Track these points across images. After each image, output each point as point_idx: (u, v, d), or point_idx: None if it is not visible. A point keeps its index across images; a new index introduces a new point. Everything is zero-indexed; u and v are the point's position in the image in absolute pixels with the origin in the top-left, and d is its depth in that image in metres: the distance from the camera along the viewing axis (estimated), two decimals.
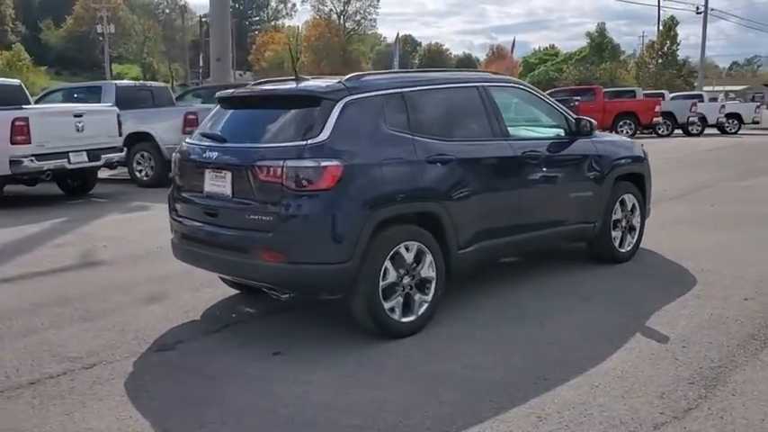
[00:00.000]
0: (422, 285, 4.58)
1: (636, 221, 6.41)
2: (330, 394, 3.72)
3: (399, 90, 4.70)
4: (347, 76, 4.61)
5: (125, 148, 11.59)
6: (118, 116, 11.19)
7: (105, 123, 11.00)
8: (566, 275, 5.93)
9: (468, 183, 4.81)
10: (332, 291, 4.30)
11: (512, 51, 46.97)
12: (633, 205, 6.36)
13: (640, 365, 4.00)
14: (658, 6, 63.17)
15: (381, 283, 4.34)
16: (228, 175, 4.45)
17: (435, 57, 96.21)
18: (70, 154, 10.38)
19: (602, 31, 73.04)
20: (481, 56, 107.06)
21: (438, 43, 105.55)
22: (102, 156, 10.90)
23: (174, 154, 5.11)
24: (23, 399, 3.78)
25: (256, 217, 4.26)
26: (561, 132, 5.81)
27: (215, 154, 4.52)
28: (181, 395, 3.77)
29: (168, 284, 5.96)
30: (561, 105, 5.97)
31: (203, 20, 77.24)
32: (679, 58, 68.71)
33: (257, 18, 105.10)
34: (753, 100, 40.58)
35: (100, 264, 6.83)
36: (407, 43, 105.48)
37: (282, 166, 4.13)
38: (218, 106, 5.07)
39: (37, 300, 5.59)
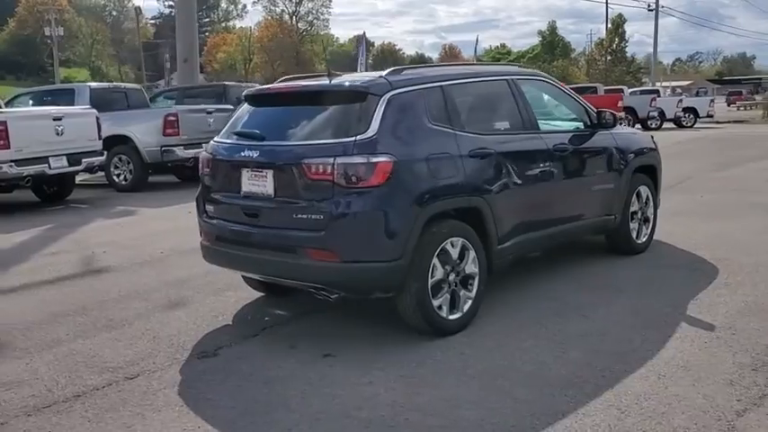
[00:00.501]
0: (465, 282, 4.52)
1: (650, 213, 6.47)
2: (399, 395, 3.63)
3: (439, 84, 4.63)
4: (387, 71, 4.52)
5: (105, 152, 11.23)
6: (97, 119, 10.84)
7: (85, 126, 10.66)
8: (592, 267, 5.95)
9: (507, 177, 4.77)
10: (384, 289, 4.20)
11: (475, 50, 47.21)
12: (647, 197, 6.42)
13: (698, 354, 4.01)
14: (606, 5, 64.30)
15: (430, 281, 4.27)
16: (270, 173, 4.31)
17: (389, 57, 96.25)
18: (50, 159, 10.04)
19: (553, 29, 74.25)
20: (433, 55, 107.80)
21: (391, 43, 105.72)
22: (83, 160, 10.56)
23: (201, 153, 4.94)
24: (76, 413, 3.59)
25: (305, 216, 4.13)
26: (582, 125, 5.82)
27: (255, 153, 4.37)
28: (244, 402, 3.63)
29: (185, 289, 5.78)
30: (581, 98, 5.98)
31: (155, 21, 75.96)
32: (627, 55, 70.37)
33: (207, 19, 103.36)
34: (697, 95, 41.79)
35: (106, 270, 6.58)
36: (361, 43, 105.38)
37: (333, 164, 4.02)
38: (246, 104, 4.92)
39: (53, 309, 5.35)
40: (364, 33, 31.26)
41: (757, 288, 5.18)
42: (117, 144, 11.94)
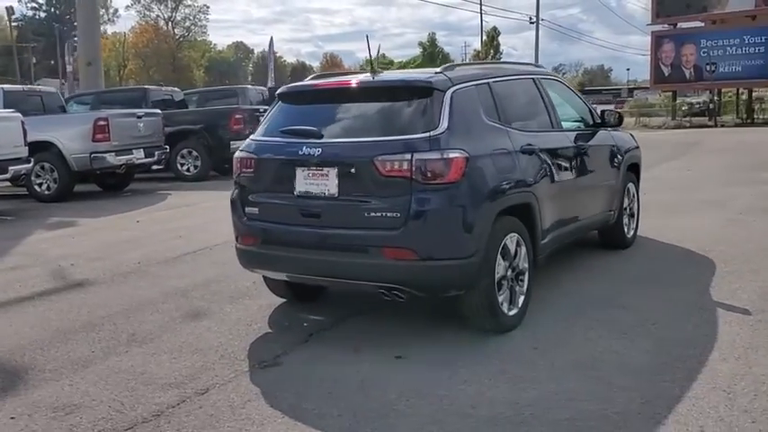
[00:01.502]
0: (518, 277, 4.54)
1: (635, 208, 6.78)
2: (505, 392, 3.57)
3: (486, 81, 4.64)
4: (442, 67, 4.48)
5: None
6: (22, 123, 10.01)
7: (9, 132, 9.84)
8: (594, 261, 6.15)
9: (547, 173, 4.84)
10: (460, 287, 4.13)
11: (370, 56, 47.35)
12: (633, 193, 6.71)
13: (754, 335, 4.22)
14: (481, 18, 66.67)
15: (496, 277, 4.26)
16: (333, 171, 4.14)
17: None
18: None
19: (432, 41, 76.37)
20: (313, 64, 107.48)
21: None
22: (10, 168, 9.72)
23: (238, 153, 4.67)
24: None
25: (378, 214, 4.00)
26: (584, 124, 6.00)
27: (316, 150, 4.18)
28: (348, 408, 3.45)
29: (194, 299, 5.46)
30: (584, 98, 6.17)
31: (17, 24, 70.84)
32: None
33: (76, 23, 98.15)
34: None
35: (89, 284, 6.08)
36: (240, 50, 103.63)
37: (410, 160, 3.92)
38: (283, 102, 4.72)
39: (56, 326, 4.89)
40: (272, 39, 30.66)
41: (759, 275, 5.53)
42: (39, 151, 11.04)
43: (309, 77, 5.03)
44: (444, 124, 4.06)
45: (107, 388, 3.82)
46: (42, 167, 11.25)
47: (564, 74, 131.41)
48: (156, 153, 12.28)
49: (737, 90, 37.23)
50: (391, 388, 3.67)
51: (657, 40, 39.23)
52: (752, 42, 35.82)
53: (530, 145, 4.66)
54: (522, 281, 4.56)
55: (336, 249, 4.15)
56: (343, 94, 4.55)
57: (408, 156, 3.93)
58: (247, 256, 4.64)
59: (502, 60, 68.73)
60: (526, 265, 4.58)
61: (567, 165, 5.22)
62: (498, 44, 75.06)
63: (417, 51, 77.40)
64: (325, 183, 4.17)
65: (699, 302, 4.90)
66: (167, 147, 12.85)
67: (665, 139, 22.73)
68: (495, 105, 4.58)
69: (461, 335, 4.40)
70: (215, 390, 3.76)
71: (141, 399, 3.66)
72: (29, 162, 10.17)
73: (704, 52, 36.98)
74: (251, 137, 4.70)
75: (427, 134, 4.01)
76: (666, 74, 37.43)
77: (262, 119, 4.88)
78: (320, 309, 5.10)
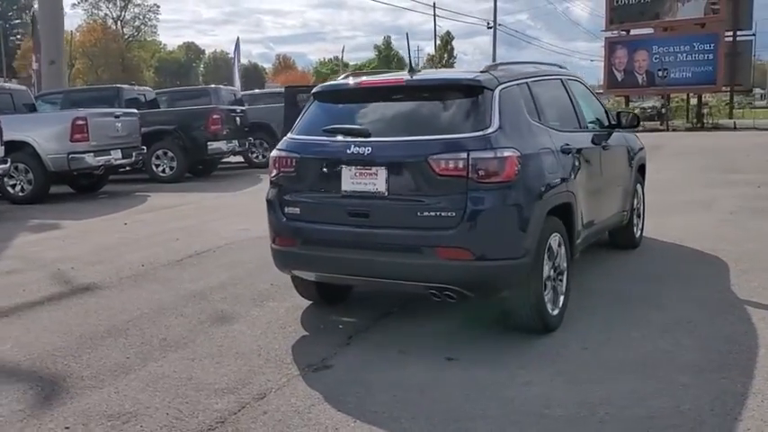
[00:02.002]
0: (557, 277, 4.55)
1: (641, 208, 6.88)
2: (570, 392, 3.55)
3: (526, 80, 4.64)
4: (486, 66, 4.45)
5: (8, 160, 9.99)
6: None
7: None
8: (610, 260, 6.21)
9: (581, 173, 4.86)
10: (512, 287, 4.11)
11: (341, 57, 47.29)
12: (641, 193, 6.82)
13: None
14: (434, 22, 67.07)
15: (543, 277, 4.26)
16: (382, 171, 4.08)
17: (222, 65, 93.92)
18: None
19: (388, 44, 76.67)
20: (266, 65, 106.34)
21: (224, 51, 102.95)
22: None
23: (275, 152, 4.56)
24: None
25: (432, 214, 3.95)
26: (600, 125, 6.06)
27: (366, 149, 4.10)
28: (421, 412, 3.39)
29: (215, 302, 5.33)
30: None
31: None
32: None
33: (18, 21, 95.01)
34: None
35: (98, 288, 5.86)
36: (191, 51, 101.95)
37: (467, 159, 3.89)
38: (317, 101, 4.65)
39: (79, 332, 4.71)
40: (238, 39, 30.20)
41: None
42: (12, 151, 10.61)
43: (342, 76, 4.94)
44: (496, 123, 4.04)
45: (157, 395, 3.68)
46: (16, 168, 10.82)
47: None
48: (134, 154, 11.97)
49: (687, 95, 38.31)
50: (453, 390, 3.62)
51: (611, 46, 40.09)
52: (701, 49, 36.93)
53: (567, 144, 4.67)
54: (562, 281, 4.57)
55: (387, 249, 4.08)
56: (387, 93, 4.49)
57: (464, 154, 3.89)
58: (285, 256, 4.53)
59: (449, 64, 69.79)
60: (565, 265, 4.59)
61: (595, 165, 5.27)
62: (452, 48, 75.84)
63: (369, 54, 77.46)
64: (374, 182, 4.10)
65: (726, 300, 4.99)
66: (144, 147, 12.53)
67: None
68: (535, 105, 4.59)
69: (504, 335, 4.39)
70: (273, 394, 3.65)
71: (198, 405, 3.54)
72: (6, 162, 9.78)
73: (656, 58, 37.90)
74: (288, 136, 4.60)
75: (481, 133, 3.98)
76: (620, 79, 38.28)
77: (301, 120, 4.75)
78: (349, 311, 5.03)
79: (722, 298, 5.06)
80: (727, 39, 35.67)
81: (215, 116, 13.46)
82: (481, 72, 4.34)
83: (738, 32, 38.19)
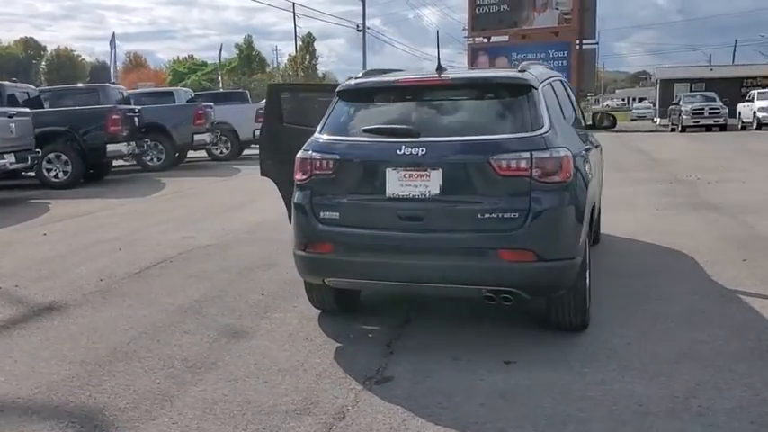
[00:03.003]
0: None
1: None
2: (650, 386, 3.56)
3: (550, 80, 4.65)
4: (520, 66, 4.41)
5: None
6: None
7: None
8: None
9: (591, 172, 4.95)
10: (567, 287, 4.09)
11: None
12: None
13: None
14: (294, 23, 66.66)
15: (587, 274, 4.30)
16: (436, 172, 3.92)
17: (66, 63, 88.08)
18: None
19: (249, 43, 75.19)
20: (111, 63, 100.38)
21: (68, 48, 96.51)
22: None
23: (305, 154, 4.26)
24: None
25: (494, 215, 3.85)
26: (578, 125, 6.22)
27: (420, 150, 3.92)
28: (521, 418, 3.28)
29: (214, 317, 4.95)
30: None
31: None
32: (319, 72, 74.41)
33: None
34: None
35: (63, 307, 5.25)
36: (30, 47, 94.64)
37: (530, 159, 3.83)
38: (344, 100, 4.42)
39: (82, 359, 4.19)
40: (114, 35, 28.18)
41: (741, 262, 6.06)
42: None
43: (360, 75, 4.71)
44: (547, 122, 4.01)
45: (224, 421, 3.33)
46: None
47: None
48: (29, 157, 10.88)
49: None
50: (534, 393, 3.55)
51: (474, 52, 41.75)
52: (556, 56, 39.27)
53: (587, 142, 4.74)
54: (586, 279, 4.63)
55: (443, 253, 3.94)
56: (428, 91, 4.33)
57: (526, 154, 3.83)
58: (319, 264, 4.26)
59: (311, 65, 69.54)
60: (588, 261, 4.65)
61: (592, 164, 5.38)
62: (314, 50, 75.70)
63: (223, 54, 75.24)
64: (426, 184, 3.94)
65: (719, 291, 5.27)
66: (39, 151, 11.42)
67: None
68: (559, 105, 4.62)
69: (542, 335, 4.37)
70: (353, 412, 3.41)
71: (280, 430, 3.23)
72: None
73: (515, 64, 39.58)
74: (318, 136, 4.31)
75: (538, 132, 3.94)
76: None
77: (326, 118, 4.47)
78: (365, 318, 4.81)
79: (714, 289, 5.34)
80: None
81: (114, 116, 12.54)
82: (520, 71, 4.30)
83: (584, 41, 40.87)
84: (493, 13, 41.25)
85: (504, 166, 3.83)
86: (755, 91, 33.50)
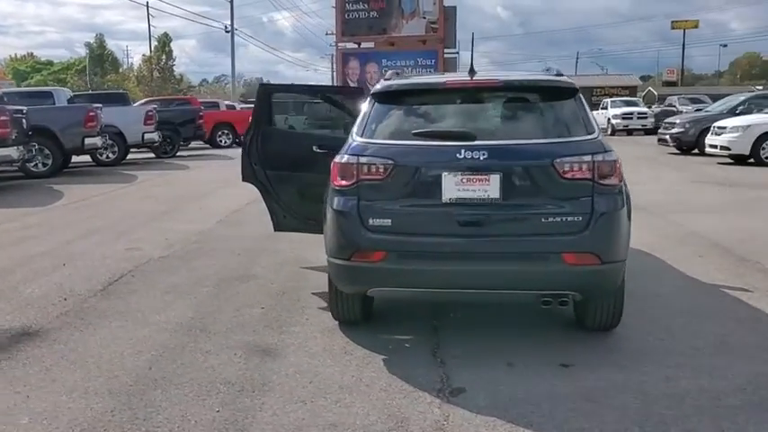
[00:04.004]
0: None
1: None
2: (718, 379, 3.71)
3: None
4: (547, 69, 4.44)
5: None
6: None
7: None
8: None
9: None
10: (617, 288, 4.14)
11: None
12: None
13: None
14: (149, 22, 64.20)
15: None
16: (496, 176, 3.85)
17: None
18: None
19: (101, 42, 70.99)
20: None
21: None
22: None
23: (350, 158, 4.03)
24: None
25: (557, 219, 3.84)
26: None
27: (481, 154, 3.83)
28: (629, 421, 3.28)
29: (224, 335, 4.59)
30: None
31: None
32: (176, 73, 71.78)
33: None
34: None
35: (40, 332, 4.66)
36: None
37: (591, 162, 3.85)
38: (383, 103, 4.25)
39: (106, 389, 3.73)
40: None
41: (704, 260, 6.47)
42: None
43: (387, 75, 4.53)
44: (595, 126, 4.07)
45: None
46: None
47: (226, 84, 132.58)
48: None
49: None
50: (612, 394, 3.57)
51: (344, 57, 41.82)
52: (424, 64, 40.11)
53: None
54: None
55: (505, 258, 3.87)
56: (475, 94, 4.24)
57: (588, 157, 3.85)
58: (366, 273, 4.05)
59: (167, 67, 67.03)
60: None
61: None
62: (171, 50, 72.83)
63: (64, 52, 70.68)
64: (485, 188, 3.86)
65: (703, 287, 5.57)
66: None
67: None
68: None
69: (574, 335, 4.45)
70: (452, 426, 3.28)
71: None
72: None
73: (386, 71, 40.21)
74: (360, 140, 4.10)
75: (592, 136, 3.98)
76: None
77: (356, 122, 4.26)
78: (389, 328, 4.65)
79: (697, 284, 5.64)
80: None
81: (3, 118, 11.33)
82: (557, 74, 4.33)
83: (446, 50, 42.18)
84: (362, 19, 41.43)
85: (568, 168, 3.84)
86: (608, 99, 36.12)
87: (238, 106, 29.46)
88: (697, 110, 25.38)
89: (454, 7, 41.95)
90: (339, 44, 41.64)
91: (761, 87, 39.32)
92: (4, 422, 3.36)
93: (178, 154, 20.23)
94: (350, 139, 4.22)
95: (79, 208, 10.17)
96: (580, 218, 3.84)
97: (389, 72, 4.80)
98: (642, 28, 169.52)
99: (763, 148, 15.54)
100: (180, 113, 20.63)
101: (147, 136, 16.94)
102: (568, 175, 3.84)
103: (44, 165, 13.87)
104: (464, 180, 3.87)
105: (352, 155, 4.05)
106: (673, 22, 53.33)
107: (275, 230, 5.87)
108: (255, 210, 9.68)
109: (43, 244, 7.51)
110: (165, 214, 9.53)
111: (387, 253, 3.97)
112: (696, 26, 60.66)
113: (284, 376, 3.87)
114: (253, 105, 6.08)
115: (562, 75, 4.35)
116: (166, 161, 18.68)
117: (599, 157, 3.87)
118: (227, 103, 29.56)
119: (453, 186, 3.89)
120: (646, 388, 3.65)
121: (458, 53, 48.15)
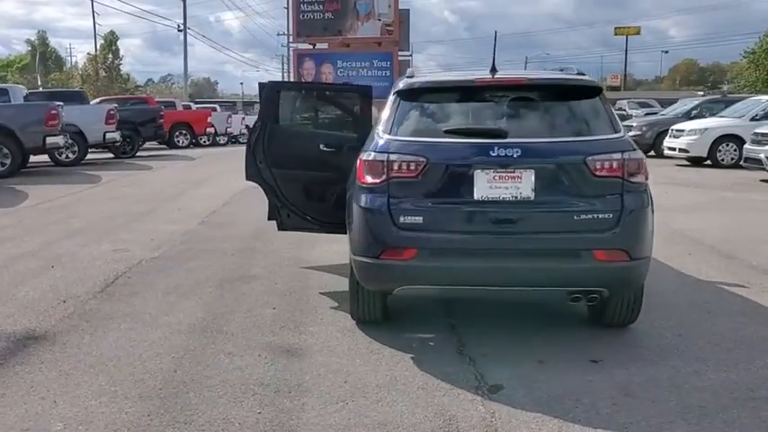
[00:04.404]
0: None
1: None
2: (744, 373, 3.82)
3: None
4: (564, 68, 4.49)
5: None
6: None
7: None
8: None
9: None
10: (641, 284, 4.21)
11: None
12: None
13: None
14: (93, 19, 62.65)
15: None
16: (528, 173, 3.87)
17: None
18: None
19: (44, 40, 68.99)
20: None
21: None
22: None
23: (379, 156, 3.98)
24: None
25: (589, 216, 3.87)
26: None
27: (514, 151, 3.84)
28: (674, 414, 3.34)
29: (243, 336, 4.50)
30: None
31: None
32: (123, 72, 70.15)
33: None
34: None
35: (47, 336, 4.49)
36: None
37: (621, 159, 3.91)
38: (408, 100, 4.22)
39: (137, 393, 3.62)
40: None
41: (694, 258, 6.63)
42: None
43: (407, 74, 4.49)
44: (619, 124, 4.13)
45: None
46: None
47: (172, 84, 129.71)
48: None
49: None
50: (649, 388, 3.64)
51: (300, 57, 41.40)
52: (379, 66, 40.05)
53: None
54: None
55: (537, 255, 3.89)
56: (500, 92, 4.24)
57: (618, 155, 3.91)
58: (395, 271, 4.01)
59: (114, 66, 65.47)
60: None
61: None
62: (118, 49, 71.16)
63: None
64: (517, 186, 3.88)
65: (700, 283, 5.72)
66: None
67: None
68: None
69: (589, 331, 4.52)
70: (501, 423, 3.29)
71: None
72: None
73: (341, 72, 40.06)
74: (388, 137, 4.06)
75: (619, 134, 4.04)
76: None
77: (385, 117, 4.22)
78: (403, 325, 4.64)
79: (694, 281, 5.79)
80: None
81: None
82: (578, 72, 4.38)
83: (400, 53, 42.26)
84: (317, 19, 41.07)
85: (600, 166, 3.88)
86: None
87: (194, 106, 28.95)
88: (647, 114, 26.08)
89: (407, 10, 42.35)
90: (294, 45, 41.68)
91: (701, 93, 40.62)
92: (37, 429, 3.22)
93: (137, 154, 19.77)
94: (376, 137, 4.18)
95: (51, 209, 9.83)
96: (610, 215, 3.89)
97: (410, 69, 4.78)
98: (586, 34, 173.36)
99: (720, 151, 16.05)
100: (140, 113, 20.17)
101: (108, 135, 16.49)
102: (600, 173, 3.88)
103: (2, 164, 13.36)
104: (496, 177, 3.88)
105: (382, 152, 4.01)
106: (615, 28, 54.64)
107: (279, 230, 5.78)
108: (234, 210, 9.61)
109: (22, 246, 7.23)
110: (143, 215, 9.28)
111: (418, 250, 3.95)
112: (638, 33, 62.25)
113: (317, 376, 3.80)
114: (259, 104, 5.94)
115: (584, 74, 4.39)
116: (127, 161, 18.22)
117: (627, 155, 3.93)
118: (183, 102, 28.99)
119: (485, 184, 3.89)
120: (677, 382, 3.72)
121: (411, 55, 48.53)
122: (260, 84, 5.95)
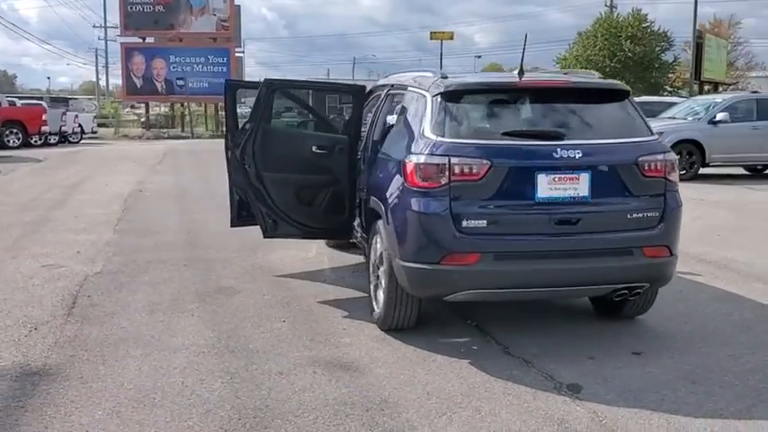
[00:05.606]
0: None
1: None
2: None
3: None
4: (587, 72, 4.63)
5: None
6: None
7: None
8: None
9: None
10: None
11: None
12: None
13: None
14: None
15: None
16: (585, 174, 3.96)
17: None
18: None
19: None
20: None
21: None
22: None
23: (443, 159, 3.86)
24: None
25: (640, 215, 4.05)
26: None
27: (576, 153, 3.90)
28: (731, 400, 3.55)
29: (277, 351, 4.21)
30: None
31: None
32: None
33: None
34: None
35: (64, 363, 3.90)
36: None
37: (663, 160, 4.11)
38: (452, 101, 4.13)
39: (218, 407, 3.25)
40: None
41: None
42: None
43: (440, 75, 4.38)
44: (648, 126, 4.34)
45: None
46: None
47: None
48: None
49: (204, 104, 39.87)
50: (706, 375, 3.86)
51: (128, 52, 39.40)
52: (215, 62, 39.10)
53: None
54: None
55: (596, 255, 3.99)
56: (545, 94, 4.29)
57: (661, 156, 4.11)
58: (457, 277, 3.93)
59: None
60: None
61: None
62: None
63: None
64: (575, 186, 3.96)
65: (689, 279, 5.97)
66: None
67: (178, 149, 23.15)
68: None
69: (594, 327, 4.71)
70: (612, 420, 3.34)
71: None
72: None
73: (174, 67, 38.71)
74: (442, 140, 3.94)
75: (655, 137, 4.25)
76: (139, 86, 37.85)
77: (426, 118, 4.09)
78: (432, 330, 4.57)
79: (682, 276, 6.06)
80: None
81: None
82: (598, 77, 4.55)
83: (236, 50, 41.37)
84: (147, 12, 39.20)
85: (648, 167, 4.06)
86: None
87: (18, 102, 26.19)
88: None
89: (238, 6, 41.34)
90: (122, 38, 39.09)
91: None
92: None
93: None
94: (421, 139, 4.06)
95: None
96: (656, 213, 4.09)
97: (441, 71, 4.67)
98: (402, 38, 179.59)
99: None
100: None
101: None
102: (648, 174, 4.07)
103: None
104: (555, 179, 3.93)
105: (442, 155, 3.90)
106: (431, 33, 57.15)
107: (264, 237, 5.43)
108: (142, 217, 8.91)
109: None
110: (38, 225, 8.30)
111: (481, 255, 3.90)
112: (452, 38, 65.26)
113: (395, 390, 3.64)
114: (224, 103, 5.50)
115: (602, 77, 4.57)
116: None
117: (668, 156, 4.16)
118: (8, 98, 26.11)
119: (546, 185, 3.93)
120: (725, 366, 3.99)
121: (243, 52, 47.32)
122: (227, 81, 5.55)
